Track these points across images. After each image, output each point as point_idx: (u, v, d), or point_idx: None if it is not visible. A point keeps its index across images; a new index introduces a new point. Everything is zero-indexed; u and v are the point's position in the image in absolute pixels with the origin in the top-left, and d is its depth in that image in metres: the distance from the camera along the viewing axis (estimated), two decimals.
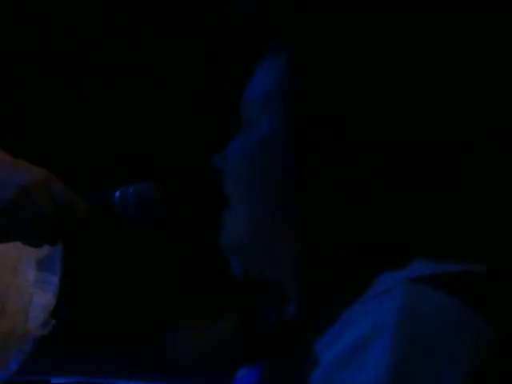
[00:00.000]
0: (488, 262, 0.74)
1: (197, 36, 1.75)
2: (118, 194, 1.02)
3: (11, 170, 1.01)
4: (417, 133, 0.78)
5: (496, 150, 0.80)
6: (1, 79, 1.78)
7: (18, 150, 1.18)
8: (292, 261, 0.82)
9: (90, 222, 1.01)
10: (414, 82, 0.80)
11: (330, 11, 0.85)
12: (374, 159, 0.77)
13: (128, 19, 1.80)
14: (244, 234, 0.85)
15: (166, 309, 1.61)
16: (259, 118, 0.85)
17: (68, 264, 1.46)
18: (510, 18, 0.89)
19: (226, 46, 1.71)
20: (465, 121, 0.79)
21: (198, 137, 1.70)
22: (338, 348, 0.70)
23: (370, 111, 0.78)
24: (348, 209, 0.77)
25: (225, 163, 0.88)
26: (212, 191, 0.90)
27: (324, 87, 0.80)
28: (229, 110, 0.96)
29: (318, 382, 0.70)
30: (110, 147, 1.77)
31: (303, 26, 0.85)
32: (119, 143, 1.77)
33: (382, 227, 0.77)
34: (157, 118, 1.77)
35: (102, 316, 1.65)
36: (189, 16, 1.77)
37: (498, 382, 0.66)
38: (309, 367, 0.72)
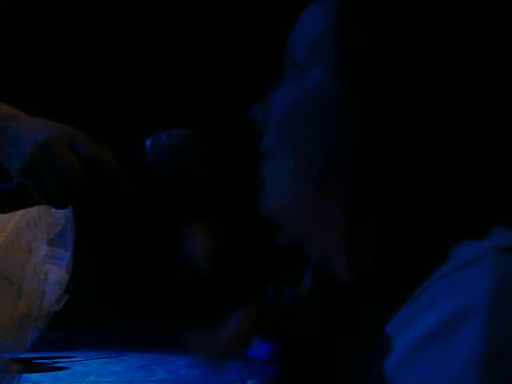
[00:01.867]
0: None
1: None
2: (148, 141, 0.95)
3: (29, 127, 0.96)
4: None
5: None
6: None
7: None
8: (343, 228, 0.73)
9: (118, 174, 0.94)
10: None
11: None
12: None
13: None
14: (287, 193, 0.77)
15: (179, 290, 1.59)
16: (309, 65, 0.77)
17: (80, 238, 1.44)
18: None
19: None
20: None
21: (234, 85, 1.64)
22: (418, 328, 0.64)
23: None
24: (413, 175, 0.70)
25: (266, 114, 0.81)
26: (250, 143, 0.83)
27: (386, 41, 0.72)
28: (269, 54, 0.90)
29: (395, 366, 0.64)
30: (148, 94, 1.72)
31: None
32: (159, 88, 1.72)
33: (452, 193, 0.70)
34: (192, 64, 1.72)
35: (113, 290, 1.64)
36: None
37: None
38: (378, 351, 0.66)
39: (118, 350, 1.50)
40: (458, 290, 0.64)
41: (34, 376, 1.91)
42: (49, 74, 1.72)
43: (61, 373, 2.05)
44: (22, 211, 1.33)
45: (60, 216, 1.40)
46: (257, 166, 0.81)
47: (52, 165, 0.92)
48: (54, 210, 1.37)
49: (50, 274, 1.41)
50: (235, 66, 1.70)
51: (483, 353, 0.60)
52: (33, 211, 1.34)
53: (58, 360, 2.08)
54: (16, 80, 1.69)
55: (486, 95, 0.73)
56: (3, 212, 1.05)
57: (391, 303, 0.69)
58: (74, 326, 1.50)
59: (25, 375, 1.32)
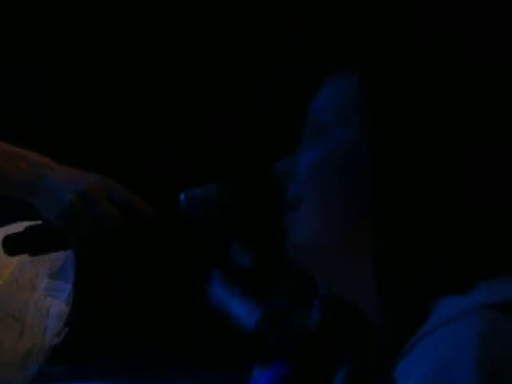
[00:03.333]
0: None
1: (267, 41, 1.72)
2: (182, 196, 0.99)
3: (66, 176, 1.00)
4: None
5: None
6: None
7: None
8: (365, 278, 0.81)
9: (154, 224, 0.99)
10: None
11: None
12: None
13: None
14: (313, 236, 0.85)
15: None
16: (332, 127, 0.86)
17: (80, 271, 1.44)
18: None
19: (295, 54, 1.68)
20: None
21: (260, 142, 1.68)
22: (418, 372, 0.69)
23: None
24: (429, 231, 0.78)
25: (292, 168, 0.89)
26: (276, 195, 0.91)
27: (405, 105, 0.82)
28: (292, 116, 0.97)
29: None
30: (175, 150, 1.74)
31: (381, 42, 0.88)
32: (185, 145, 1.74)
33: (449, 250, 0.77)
34: (221, 120, 1.74)
35: (112, 321, 1.64)
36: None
37: None
38: None
39: (118, 382, 1.51)
40: (448, 339, 0.69)
41: None
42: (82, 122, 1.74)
43: None
44: None
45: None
46: (281, 215, 0.89)
47: (90, 212, 0.95)
48: None
49: (51, 307, 1.41)
50: (262, 122, 1.73)
51: None
52: None
53: None
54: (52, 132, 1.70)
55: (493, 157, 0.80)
56: (35, 254, 1.09)
57: (391, 348, 0.75)
58: (74, 359, 1.50)
59: None
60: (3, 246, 1.05)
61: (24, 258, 1.33)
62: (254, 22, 1.74)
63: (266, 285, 1.55)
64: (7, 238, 1.06)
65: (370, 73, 0.86)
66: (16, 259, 1.31)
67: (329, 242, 0.84)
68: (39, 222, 1.07)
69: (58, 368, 1.40)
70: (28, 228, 1.06)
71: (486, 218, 0.78)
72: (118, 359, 1.58)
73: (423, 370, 0.68)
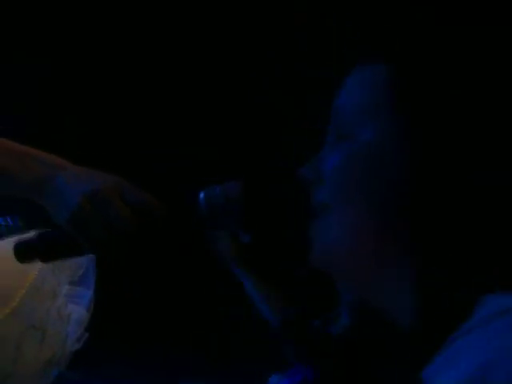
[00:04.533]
0: None
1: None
2: (202, 194, 0.95)
3: (77, 177, 0.96)
4: None
5: None
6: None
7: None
8: (398, 286, 0.77)
9: (171, 225, 0.94)
10: None
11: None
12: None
13: None
14: (342, 242, 0.81)
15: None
16: (359, 127, 0.81)
17: (102, 277, 1.44)
18: None
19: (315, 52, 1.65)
20: None
21: (282, 146, 1.65)
22: (457, 371, 0.66)
23: None
24: (467, 227, 0.74)
25: (317, 172, 0.84)
26: (299, 200, 0.86)
27: (444, 97, 0.76)
28: (313, 118, 0.92)
29: None
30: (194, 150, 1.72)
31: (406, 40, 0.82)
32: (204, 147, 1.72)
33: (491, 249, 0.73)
34: (241, 123, 1.72)
35: (132, 327, 1.64)
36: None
37: None
38: None
39: None
40: (491, 339, 0.66)
41: None
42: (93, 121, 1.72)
43: None
44: None
45: (82, 258, 1.40)
46: (307, 220, 0.84)
47: (102, 215, 0.91)
48: None
49: (72, 313, 1.41)
50: (283, 124, 1.70)
51: None
52: None
53: None
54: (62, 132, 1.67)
55: None
56: (47, 261, 1.05)
57: (426, 348, 0.71)
58: (92, 363, 1.50)
59: None
60: (14, 252, 1.01)
61: (45, 266, 1.32)
62: (253, 22, 1.71)
63: (292, 288, 1.53)
64: (18, 245, 1.02)
65: (399, 65, 0.80)
66: (37, 268, 1.31)
67: (359, 248, 0.80)
68: (51, 227, 1.05)
69: (77, 372, 1.40)
70: (40, 234, 1.02)
71: None
72: (134, 362, 1.58)
73: (463, 369, 0.65)
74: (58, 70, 1.76)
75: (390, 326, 0.81)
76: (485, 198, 0.74)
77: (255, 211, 0.98)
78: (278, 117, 1.69)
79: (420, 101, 0.76)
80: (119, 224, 0.91)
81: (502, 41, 0.81)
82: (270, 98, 1.71)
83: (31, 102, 1.74)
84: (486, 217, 0.74)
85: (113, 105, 1.76)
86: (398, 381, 0.79)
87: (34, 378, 1.27)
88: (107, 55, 1.79)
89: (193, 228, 0.98)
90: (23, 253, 1.02)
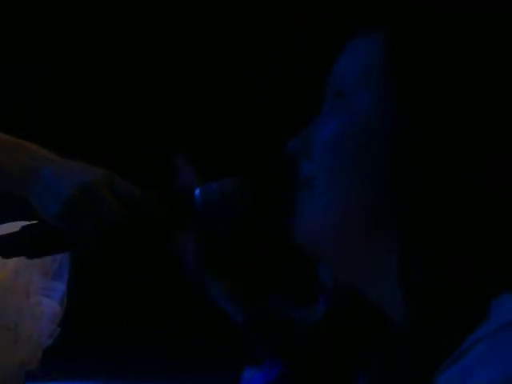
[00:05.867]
0: None
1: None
2: (197, 191, 0.93)
3: (65, 169, 0.92)
4: None
5: None
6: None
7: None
8: (387, 268, 0.71)
9: (162, 220, 0.92)
10: None
11: None
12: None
13: None
14: (329, 226, 0.75)
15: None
16: (356, 93, 0.75)
17: (75, 271, 1.39)
18: None
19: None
20: None
21: (271, 119, 1.59)
22: (482, 379, 0.61)
23: None
24: (466, 215, 0.68)
25: (307, 143, 0.78)
26: (287, 176, 0.81)
27: (433, 67, 0.71)
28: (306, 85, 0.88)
29: None
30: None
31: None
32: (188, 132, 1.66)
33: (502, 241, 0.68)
34: (222, 118, 1.67)
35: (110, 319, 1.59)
36: None
37: None
38: None
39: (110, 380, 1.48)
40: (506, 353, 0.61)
41: None
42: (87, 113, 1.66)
43: None
44: None
45: None
46: (292, 195, 0.79)
47: (93, 208, 0.88)
48: None
49: (43, 306, 1.36)
50: (262, 121, 1.65)
51: None
52: None
53: None
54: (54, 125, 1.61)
55: None
56: (33, 257, 1.00)
57: (434, 351, 0.66)
58: (65, 358, 1.46)
59: None
60: None
61: (20, 261, 1.27)
62: (254, 22, 1.67)
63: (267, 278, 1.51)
64: (2, 240, 0.97)
65: (396, 32, 0.75)
66: (12, 263, 1.24)
67: (346, 228, 0.74)
68: (36, 221, 1.00)
69: (46, 369, 1.36)
70: (24, 228, 0.96)
71: None
72: (111, 358, 1.54)
73: (489, 376, 0.61)
74: (57, 69, 1.70)
75: (380, 315, 0.77)
76: (485, 187, 0.68)
77: (253, 206, 0.95)
78: (278, 117, 1.65)
79: (419, 72, 0.71)
80: (111, 216, 0.88)
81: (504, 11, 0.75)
82: (270, 97, 1.66)
83: (30, 101, 1.68)
84: (487, 205, 0.68)
85: (109, 103, 1.70)
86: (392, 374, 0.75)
87: (6, 380, 1.22)
88: (105, 54, 1.73)
89: (188, 225, 0.97)
90: (5, 248, 0.97)
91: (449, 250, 0.67)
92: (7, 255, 0.99)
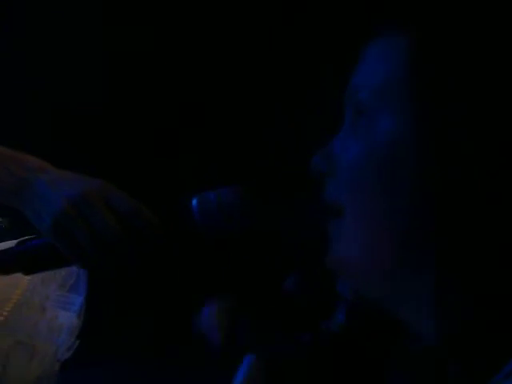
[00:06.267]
0: None
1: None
2: (195, 200, 0.90)
3: (59, 180, 0.90)
4: None
5: None
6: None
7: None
8: (425, 294, 0.68)
9: (159, 232, 0.89)
10: None
11: None
12: None
13: None
14: (360, 251, 0.71)
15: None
16: (377, 111, 0.69)
17: (93, 284, 1.38)
18: None
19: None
20: None
21: (289, 133, 1.55)
22: None
23: None
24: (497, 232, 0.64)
25: (329, 164, 0.73)
26: (311, 197, 0.76)
27: (463, 75, 0.63)
28: (327, 100, 0.84)
29: None
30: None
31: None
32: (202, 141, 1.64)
33: None
34: (243, 112, 1.63)
35: (125, 336, 1.58)
36: None
37: None
38: None
39: None
40: None
41: None
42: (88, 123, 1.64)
43: None
44: None
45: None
46: (320, 220, 0.75)
47: (86, 222, 0.85)
48: None
49: (60, 319, 1.35)
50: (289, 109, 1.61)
51: None
52: None
53: None
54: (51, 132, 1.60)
55: None
56: (29, 273, 0.97)
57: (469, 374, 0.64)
58: (83, 369, 1.45)
59: None
60: None
61: (35, 277, 1.26)
62: (254, 22, 1.63)
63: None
64: None
65: (423, 35, 0.66)
66: (27, 279, 1.23)
67: (374, 256, 0.71)
68: (34, 236, 0.97)
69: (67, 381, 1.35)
70: (20, 243, 0.94)
71: None
72: (125, 369, 1.53)
73: None
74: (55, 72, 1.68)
75: (403, 332, 0.74)
76: None
77: (253, 215, 0.91)
78: (276, 123, 1.61)
79: (447, 85, 0.63)
80: (104, 232, 0.86)
81: None
82: (269, 102, 1.62)
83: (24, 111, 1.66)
84: None
85: (105, 110, 1.68)
86: None
87: None
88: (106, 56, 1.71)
89: (185, 235, 0.91)
90: (4, 264, 0.95)
91: (482, 277, 0.65)
92: (4, 271, 0.96)
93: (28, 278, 1.21)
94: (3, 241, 1.17)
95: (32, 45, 1.62)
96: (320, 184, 0.74)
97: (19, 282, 1.21)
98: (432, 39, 0.65)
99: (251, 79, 1.63)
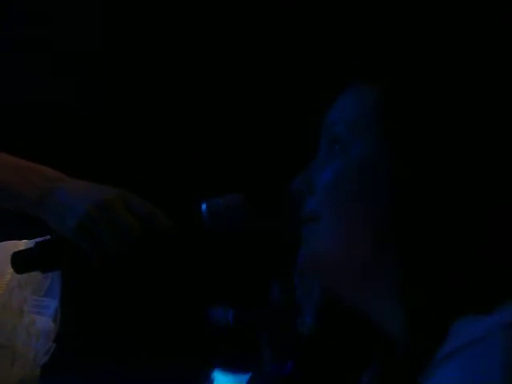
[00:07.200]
0: None
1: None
2: (204, 205, 0.98)
3: (81, 188, 0.97)
4: None
5: None
6: None
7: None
8: (385, 294, 0.80)
9: (175, 235, 0.97)
10: None
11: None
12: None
13: None
14: (336, 247, 0.83)
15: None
16: (350, 140, 0.84)
17: (67, 287, 1.39)
18: None
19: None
20: None
21: (274, 159, 1.63)
22: None
23: None
24: (453, 249, 0.75)
25: (309, 184, 0.87)
26: (293, 212, 0.88)
27: (426, 120, 0.80)
28: (305, 132, 0.96)
29: None
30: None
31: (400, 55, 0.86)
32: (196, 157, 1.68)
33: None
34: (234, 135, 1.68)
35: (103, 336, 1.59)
36: None
37: None
38: None
39: None
40: (472, 369, 0.66)
41: None
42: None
43: None
44: (11, 270, 1.26)
45: None
46: (298, 228, 0.87)
47: (109, 222, 0.92)
48: None
49: (37, 324, 1.35)
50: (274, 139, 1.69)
51: None
52: None
53: None
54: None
55: None
56: (47, 271, 1.08)
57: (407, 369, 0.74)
58: (61, 375, 1.45)
59: None
60: (12, 263, 1.01)
61: (12, 281, 1.26)
62: (253, 22, 1.67)
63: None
64: (17, 255, 1.01)
65: (388, 85, 0.83)
66: (4, 283, 1.24)
67: (349, 260, 0.82)
68: (48, 237, 1.03)
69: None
70: (39, 243, 1.01)
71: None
72: (108, 373, 1.54)
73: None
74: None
75: (374, 331, 0.83)
76: (475, 215, 0.75)
77: (258, 221, 1.02)
78: (280, 132, 1.68)
79: (408, 123, 0.79)
80: (127, 231, 0.93)
81: (489, 74, 0.83)
82: (272, 114, 1.69)
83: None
84: (476, 234, 0.75)
85: (113, 118, 1.71)
86: None
87: None
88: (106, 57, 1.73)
89: (196, 237, 1.00)
90: (22, 263, 1.01)
91: (443, 276, 0.75)
92: (22, 270, 1.02)
93: (6, 280, 1.22)
94: None
95: (32, 44, 1.64)
96: (299, 200, 0.87)
97: None
98: (397, 90, 0.83)
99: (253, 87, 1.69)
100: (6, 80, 1.63)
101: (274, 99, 1.69)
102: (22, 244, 1.23)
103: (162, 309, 1.63)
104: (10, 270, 1.16)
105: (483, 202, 0.76)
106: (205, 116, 1.71)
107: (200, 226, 0.98)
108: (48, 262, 1.01)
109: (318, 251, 0.84)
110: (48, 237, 1.05)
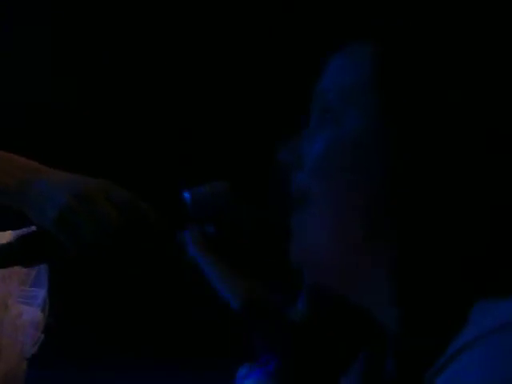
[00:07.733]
0: None
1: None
2: (187, 193, 0.96)
3: (61, 179, 0.95)
4: None
5: None
6: None
7: None
8: (379, 283, 0.73)
9: (157, 225, 0.94)
10: None
11: None
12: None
13: None
14: (327, 237, 0.76)
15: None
16: (342, 112, 0.76)
17: (55, 275, 1.36)
18: None
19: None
20: None
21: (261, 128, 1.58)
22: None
23: None
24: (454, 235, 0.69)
25: (298, 156, 0.79)
26: (281, 191, 0.83)
27: (424, 83, 0.71)
28: (294, 102, 0.90)
29: None
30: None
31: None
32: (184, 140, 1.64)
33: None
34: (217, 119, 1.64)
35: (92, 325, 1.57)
36: None
37: None
38: None
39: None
40: (493, 362, 0.62)
41: None
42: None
43: None
44: None
45: None
46: (287, 211, 0.80)
47: (89, 213, 0.90)
48: None
49: (24, 314, 1.33)
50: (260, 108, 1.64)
51: None
52: None
53: None
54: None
55: None
56: (28, 266, 1.04)
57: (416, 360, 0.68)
58: (51, 365, 1.43)
59: None
60: None
61: None
62: (253, 23, 1.63)
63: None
64: None
65: (384, 48, 0.75)
66: None
67: (338, 244, 0.75)
68: (30, 229, 1.01)
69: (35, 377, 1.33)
70: (19, 238, 0.96)
71: None
72: (97, 365, 1.52)
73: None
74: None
75: (367, 319, 0.78)
76: (474, 194, 0.69)
77: (242, 208, 0.99)
78: (270, 120, 1.64)
79: (406, 87, 0.72)
80: (107, 222, 0.91)
81: (497, 35, 0.76)
82: (262, 99, 1.65)
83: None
84: (473, 215, 0.68)
85: (100, 106, 1.67)
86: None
87: None
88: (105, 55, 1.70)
89: (179, 225, 0.99)
90: (2, 259, 0.98)
91: (439, 262, 0.69)
92: (2, 266, 0.99)
93: None
94: None
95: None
96: (287, 176, 0.80)
97: None
98: (393, 51, 0.74)
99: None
100: None
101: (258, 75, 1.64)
102: (7, 235, 1.19)
103: (150, 297, 1.60)
104: None
105: (484, 179, 0.70)
106: (187, 104, 1.67)
107: (184, 214, 0.95)
108: (28, 257, 0.97)
109: (307, 247, 0.77)
110: (31, 228, 1.01)
